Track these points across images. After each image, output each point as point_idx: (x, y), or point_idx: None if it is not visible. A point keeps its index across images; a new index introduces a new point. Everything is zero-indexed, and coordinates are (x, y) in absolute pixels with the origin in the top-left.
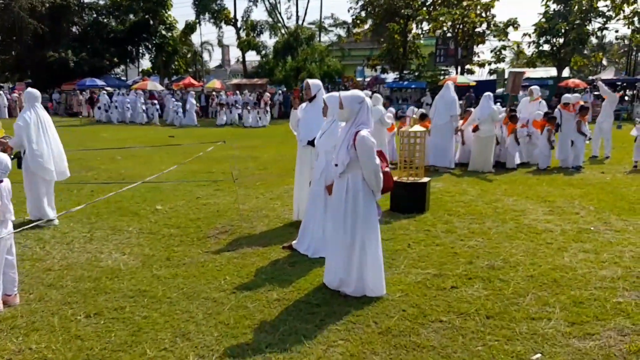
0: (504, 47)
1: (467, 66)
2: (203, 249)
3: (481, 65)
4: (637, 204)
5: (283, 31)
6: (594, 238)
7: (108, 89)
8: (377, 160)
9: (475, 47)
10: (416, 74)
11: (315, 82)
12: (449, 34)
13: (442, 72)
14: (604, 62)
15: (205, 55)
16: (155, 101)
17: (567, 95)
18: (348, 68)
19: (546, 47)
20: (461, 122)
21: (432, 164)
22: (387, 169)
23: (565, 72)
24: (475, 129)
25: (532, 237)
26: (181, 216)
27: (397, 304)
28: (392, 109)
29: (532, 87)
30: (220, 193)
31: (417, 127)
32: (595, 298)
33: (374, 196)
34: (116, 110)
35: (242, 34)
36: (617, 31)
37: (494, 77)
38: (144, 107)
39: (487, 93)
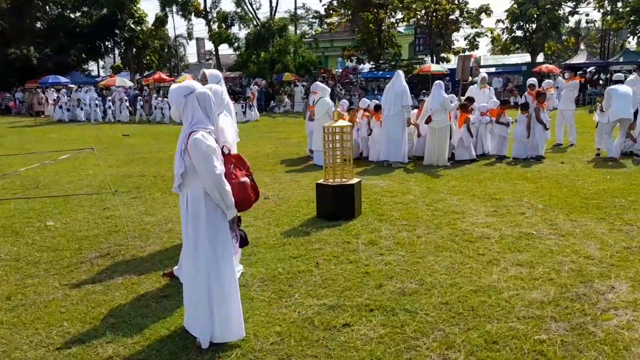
0: (478, 35)
1: (443, 54)
2: (63, 280)
3: (456, 53)
4: (591, 199)
5: (255, 22)
6: (533, 245)
7: (72, 86)
8: (219, 169)
9: (450, 35)
10: (392, 63)
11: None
12: (423, 22)
13: (419, 60)
14: (582, 47)
15: (183, 50)
16: (126, 97)
17: (532, 79)
18: (331, 59)
19: (519, 33)
20: (415, 111)
21: (385, 159)
22: (243, 179)
23: (540, 58)
24: (429, 120)
25: (463, 247)
26: (69, 234)
27: (263, 357)
28: (344, 101)
29: (481, 74)
30: (137, 201)
31: (341, 122)
32: (514, 335)
33: (223, 214)
34: (78, 108)
35: (214, 27)
36: (587, 15)
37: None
38: (126, 104)
39: (437, 81)
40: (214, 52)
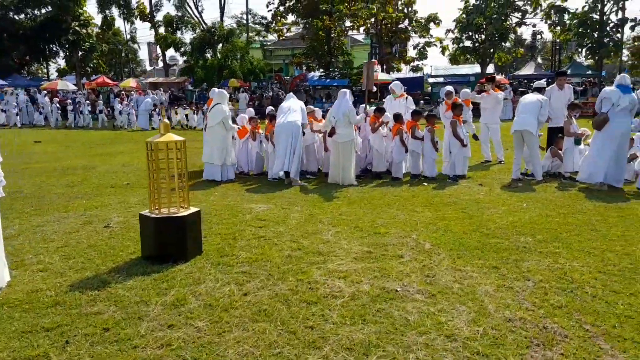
0: (427, 44)
1: (393, 64)
2: None
3: (407, 62)
4: (492, 236)
5: (202, 27)
6: (387, 312)
7: (9, 89)
8: None
9: (399, 44)
10: (343, 71)
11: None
12: (373, 31)
13: None
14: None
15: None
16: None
17: (449, 87)
18: (292, 67)
19: (468, 43)
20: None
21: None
22: None
23: (491, 69)
24: (332, 133)
25: (292, 314)
26: None
27: None
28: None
29: (393, 83)
30: None
31: (174, 136)
32: None
33: None
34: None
35: (161, 31)
36: (534, 26)
37: (420, 74)
38: (88, 108)
39: (342, 90)
40: (156, 55)
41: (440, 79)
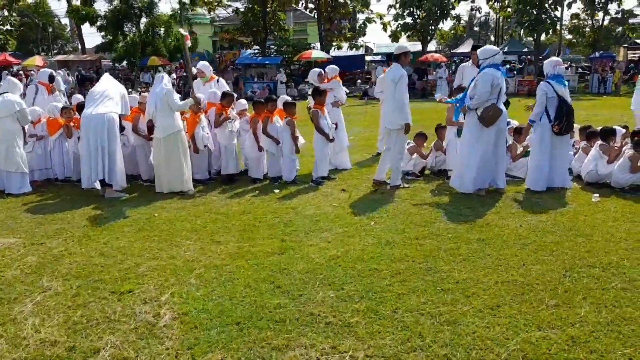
0: (368, 20)
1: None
2: None
3: (348, 39)
4: (284, 294)
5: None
6: None
7: None
8: None
9: (339, 19)
10: (281, 49)
11: None
12: (312, 5)
13: (306, 46)
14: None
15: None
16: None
17: (316, 69)
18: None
19: (409, 20)
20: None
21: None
22: None
23: (433, 46)
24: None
25: None
26: None
27: None
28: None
29: (199, 65)
30: None
31: None
32: None
33: None
34: None
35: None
36: (473, 1)
37: (361, 51)
38: None
39: (159, 74)
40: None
41: (379, 57)
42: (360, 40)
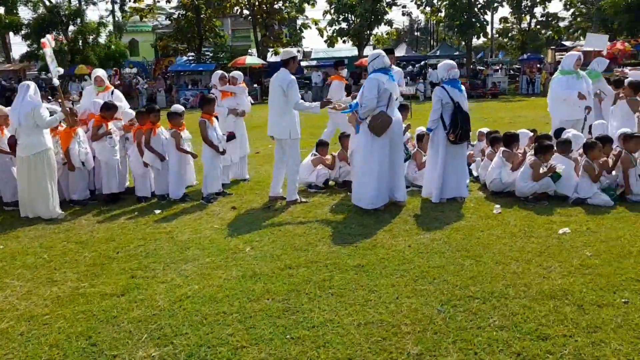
0: (303, 25)
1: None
2: None
3: (284, 44)
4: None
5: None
6: None
7: None
8: None
9: (273, 25)
10: (217, 55)
11: None
12: (246, 11)
13: (244, 53)
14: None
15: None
16: None
17: (220, 70)
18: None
19: (344, 25)
20: None
21: None
22: None
23: (369, 51)
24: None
25: None
26: None
27: None
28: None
29: (94, 72)
30: None
31: None
32: None
33: None
34: None
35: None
36: (404, 7)
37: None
38: None
39: (23, 83)
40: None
41: (314, 62)
42: (298, 47)
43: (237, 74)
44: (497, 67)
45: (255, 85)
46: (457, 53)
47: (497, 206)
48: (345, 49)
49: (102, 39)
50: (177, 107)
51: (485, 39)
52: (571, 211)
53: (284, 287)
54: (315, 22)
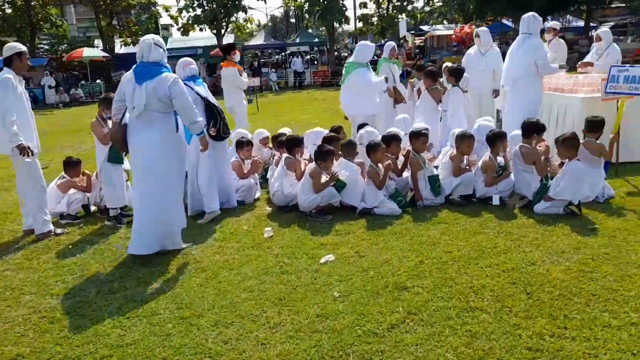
0: (152, 14)
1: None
2: None
3: (133, 34)
4: None
5: None
6: None
7: None
8: None
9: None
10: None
11: None
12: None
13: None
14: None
15: None
16: None
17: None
18: None
19: (199, 12)
20: None
21: None
22: None
23: (231, 39)
24: None
25: None
26: None
27: None
28: None
29: None
30: None
31: None
32: None
33: None
34: None
35: None
36: None
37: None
38: None
39: None
40: None
41: (171, 53)
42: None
43: None
44: None
45: (99, 81)
46: (316, 40)
47: (268, 229)
48: (203, 37)
49: None
50: None
51: (347, 25)
52: (353, 226)
53: None
54: (167, 9)
